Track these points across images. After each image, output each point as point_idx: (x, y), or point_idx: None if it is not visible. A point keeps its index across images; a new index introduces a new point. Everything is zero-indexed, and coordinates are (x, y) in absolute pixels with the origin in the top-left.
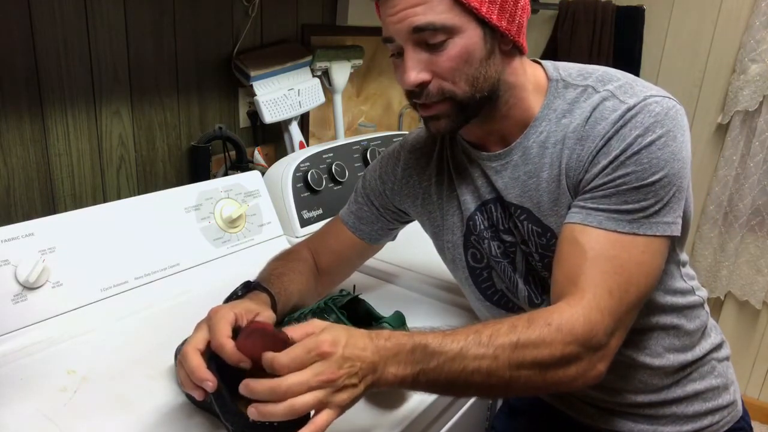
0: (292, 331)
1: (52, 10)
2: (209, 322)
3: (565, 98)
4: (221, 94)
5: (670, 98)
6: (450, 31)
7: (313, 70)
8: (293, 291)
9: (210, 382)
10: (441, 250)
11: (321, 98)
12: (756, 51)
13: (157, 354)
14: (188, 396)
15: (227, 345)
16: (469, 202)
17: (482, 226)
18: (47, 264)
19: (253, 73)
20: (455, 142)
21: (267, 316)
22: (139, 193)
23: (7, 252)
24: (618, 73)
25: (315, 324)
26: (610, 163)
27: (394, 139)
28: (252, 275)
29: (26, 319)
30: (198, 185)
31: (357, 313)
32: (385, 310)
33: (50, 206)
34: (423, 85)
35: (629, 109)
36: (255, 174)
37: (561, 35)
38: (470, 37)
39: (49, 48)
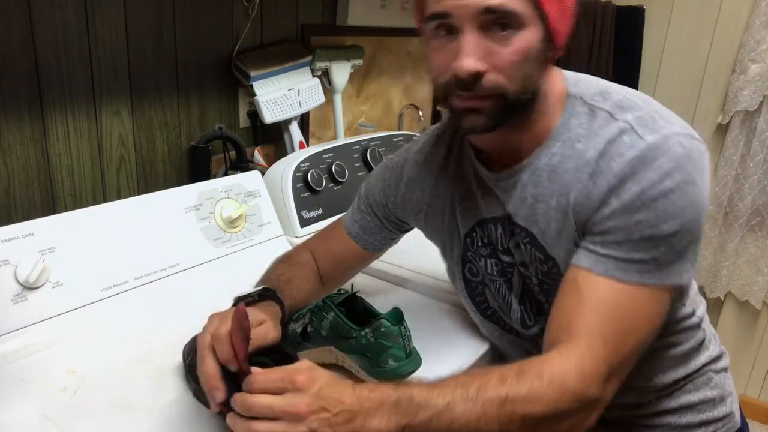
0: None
1: (52, 10)
2: (223, 325)
3: (581, 120)
4: (221, 94)
5: (693, 137)
6: (518, 22)
7: (313, 70)
8: (300, 299)
9: (219, 393)
10: (444, 258)
11: (321, 98)
12: (756, 51)
13: (157, 354)
14: (198, 397)
15: (236, 361)
16: (469, 218)
17: (479, 243)
18: (47, 264)
19: (253, 73)
20: (462, 155)
21: (273, 337)
22: (139, 193)
23: (7, 252)
24: (639, 98)
25: (304, 362)
26: (623, 207)
27: (394, 139)
28: (252, 276)
29: (26, 319)
30: (198, 185)
31: (355, 310)
32: (383, 309)
33: (50, 206)
34: (477, 76)
35: (648, 148)
36: (255, 174)
37: None
38: (533, 34)
39: (49, 48)
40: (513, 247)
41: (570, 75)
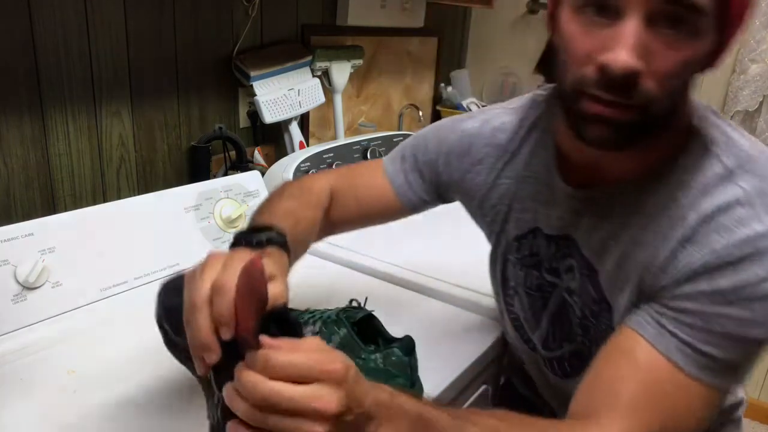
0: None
1: (52, 10)
2: (227, 273)
3: (693, 162)
4: (221, 94)
5: None
6: (693, 23)
7: (313, 70)
8: (298, 250)
9: (214, 354)
10: (488, 240)
11: (321, 98)
12: (756, 51)
13: (157, 354)
14: (179, 358)
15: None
16: (525, 222)
17: (526, 252)
18: (47, 264)
19: (253, 73)
20: (539, 152)
21: (280, 292)
22: (139, 193)
23: (7, 252)
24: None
25: (318, 341)
26: (713, 293)
27: (394, 139)
28: None
29: (26, 319)
30: (198, 185)
31: (366, 328)
32: (395, 325)
33: (50, 206)
34: (631, 77)
35: (763, 238)
36: (255, 174)
37: None
38: (704, 45)
39: (49, 48)
40: (563, 269)
41: (699, 103)
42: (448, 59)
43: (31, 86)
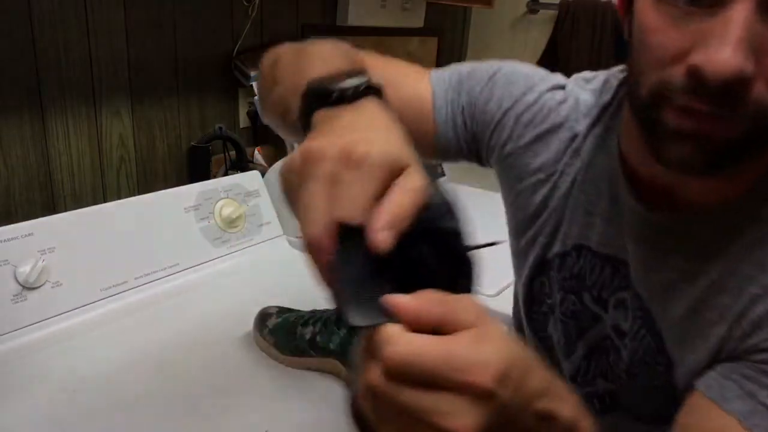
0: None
1: (52, 10)
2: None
3: None
4: (221, 94)
5: None
6: None
7: None
8: None
9: (326, 251)
10: (514, 244)
11: None
12: None
13: (157, 354)
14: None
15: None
16: (571, 236)
17: (567, 273)
18: (47, 264)
19: (253, 73)
20: (603, 152)
21: (419, 187)
22: (139, 193)
23: (7, 252)
24: None
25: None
26: None
27: None
28: (252, 276)
29: (26, 319)
30: (198, 185)
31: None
32: None
33: (50, 206)
34: (737, 83)
35: None
36: (255, 174)
37: (561, 36)
38: None
39: (49, 48)
40: (614, 303)
41: None
42: (448, 59)
43: (31, 86)
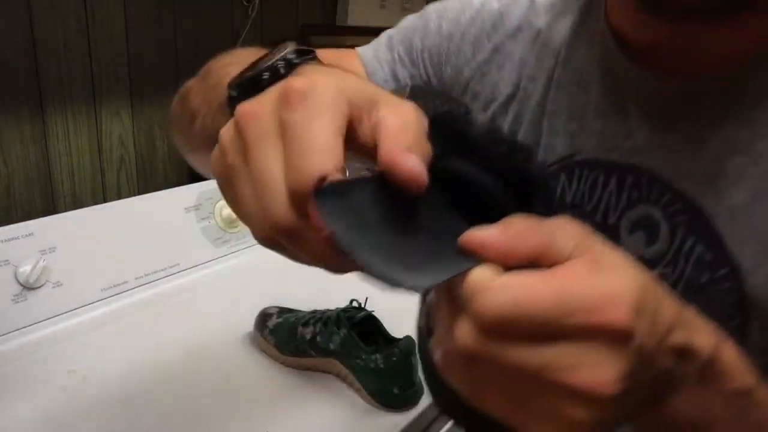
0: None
1: (52, 10)
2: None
3: None
4: None
5: None
6: None
7: None
8: None
9: (316, 223)
10: None
11: None
12: None
13: (157, 354)
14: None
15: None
16: (555, 153)
17: (568, 199)
18: (47, 264)
19: None
20: (583, 39)
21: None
22: (139, 193)
23: (7, 252)
24: None
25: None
26: None
27: None
28: (252, 277)
29: (26, 319)
30: (198, 185)
31: (367, 327)
32: (395, 325)
33: (50, 206)
34: None
35: None
36: None
37: None
38: None
39: (49, 48)
40: (627, 227)
41: None
42: None
43: (31, 86)
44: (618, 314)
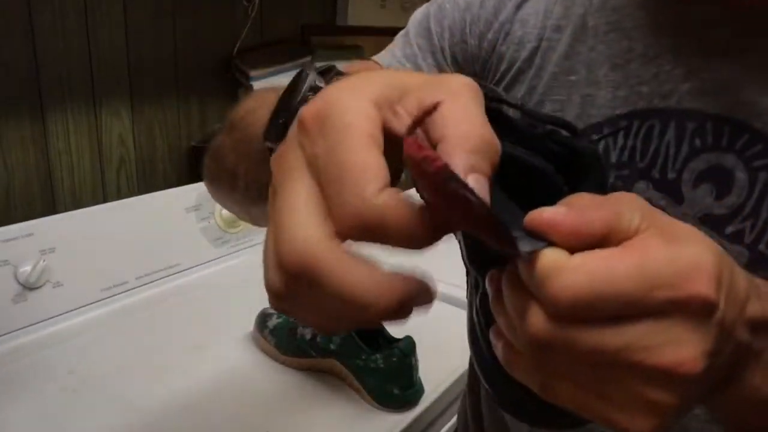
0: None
1: (52, 10)
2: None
3: None
4: (221, 94)
5: None
6: None
7: None
8: None
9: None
10: None
11: None
12: None
13: (157, 354)
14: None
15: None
16: (598, 110)
17: (613, 159)
18: (47, 264)
19: (253, 74)
20: None
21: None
22: (139, 193)
23: (7, 252)
24: None
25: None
26: None
27: None
28: (252, 276)
29: (26, 319)
30: (198, 185)
31: (367, 331)
32: (395, 325)
33: (50, 206)
34: None
35: None
36: None
37: None
38: None
39: (49, 48)
40: (690, 180)
41: None
42: None
43: (31, 86)
44: (702, 286)
